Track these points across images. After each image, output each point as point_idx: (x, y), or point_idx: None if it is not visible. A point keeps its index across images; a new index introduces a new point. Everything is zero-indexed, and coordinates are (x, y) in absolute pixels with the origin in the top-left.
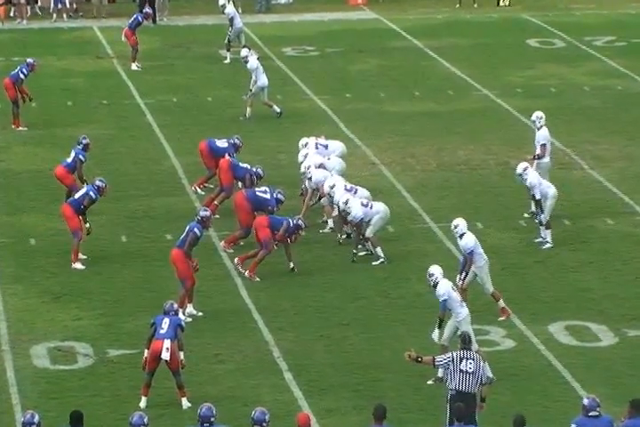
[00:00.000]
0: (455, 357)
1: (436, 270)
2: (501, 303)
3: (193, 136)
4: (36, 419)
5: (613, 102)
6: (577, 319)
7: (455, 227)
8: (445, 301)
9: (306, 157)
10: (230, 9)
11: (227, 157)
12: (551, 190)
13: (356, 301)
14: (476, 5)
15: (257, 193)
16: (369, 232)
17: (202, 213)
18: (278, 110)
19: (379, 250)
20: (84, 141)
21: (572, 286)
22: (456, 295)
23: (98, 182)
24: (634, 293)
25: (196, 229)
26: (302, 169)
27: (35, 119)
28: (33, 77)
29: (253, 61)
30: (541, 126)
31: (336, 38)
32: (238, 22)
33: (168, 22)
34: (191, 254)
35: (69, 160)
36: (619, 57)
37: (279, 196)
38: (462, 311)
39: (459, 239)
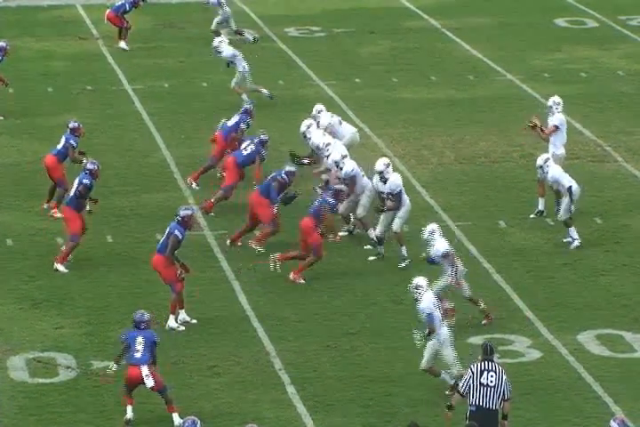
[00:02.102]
0: (475, 370)
1: (423, 282)
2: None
3: (186, 125)
4: None
5: None
6: (609, 327)
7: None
8: (429, 315)
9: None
10: None
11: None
12: (573, 186)
13: (365, 307)
14: None
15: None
16: (396, 227)
17: (182, 213)
18: (268, 93)
19: (403, 249)
20: (73, 125)
21: (604, 290)
22: (438, 314)
23: (89, 166)
24: None
25: (176, 232)
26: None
27: (11, 107)
28: (8, 61)
29: (228, 50)
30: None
31: (344, 17)
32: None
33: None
34: (175, 258)
35: (60, 147)
36: None
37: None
38: (442, 332)
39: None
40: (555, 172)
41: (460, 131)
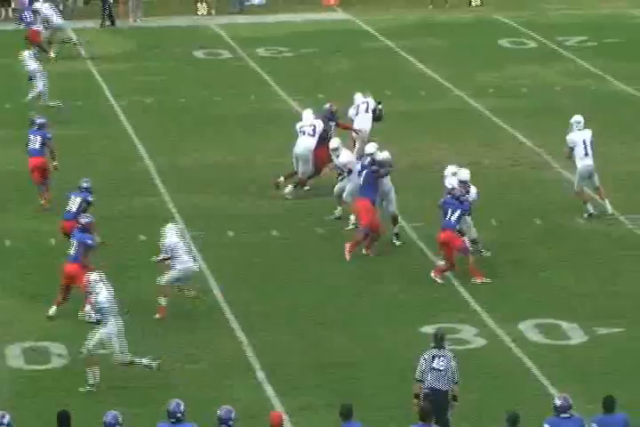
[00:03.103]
0: (428, 357)
1: (96, 277)
2: None
3: (167, 137)
4: (6, 419)
5: (585, 102)
6: (547, 317)
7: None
8: (103, 308)
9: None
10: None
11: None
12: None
13: (331, 300)
14: (447, 6)
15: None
16: (393, 209)
17: (82, 220)
18: (60, 104)
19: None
20: (41, 121)
21: (543, 284)
22: (110, 307)
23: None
24: (605, 291)
25: (86, 241)
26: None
27: (9, 120)
28: (8, 78)
29: (33, 65)
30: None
31: (310, 39)
32: (55, 20)
33: (142, 24)
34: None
35: (36, 146)
36: (590, 57)
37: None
38: (112, 323)
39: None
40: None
41: (414, 141)
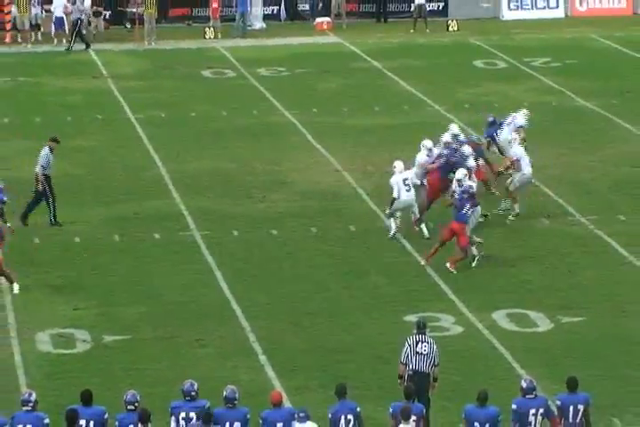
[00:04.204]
0: (411, 342)
1: None
2: None
3: (178, 146)
4: (33, 397)
5: (549, 117)
6: (517, 308)
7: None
8: None
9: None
10: None
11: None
12: None
13: (321, 292)
14: (428, 30)
15: None
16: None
17: None
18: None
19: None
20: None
21: (513, 278)
22: None
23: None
24: (567, 284)
25: None
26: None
27: (37, 132)
28: (36, 95)
29: None
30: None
31: (304, 60)
32: None
33: (156, 46)
34: None
35: None
36: (554, 76)
37: None
38: None
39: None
40: None
41: (398, 150)
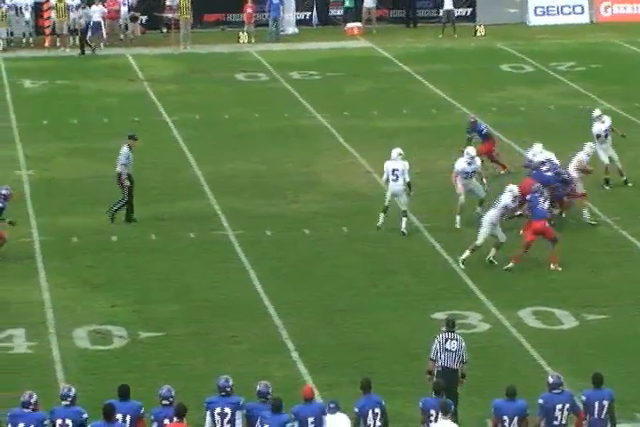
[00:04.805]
0: (441, 339)
1: None
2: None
3: (212, 148)
4: (73, 392)
5: (574, 120)
6: (543, 306)
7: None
8: None
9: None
10: None
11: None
12: None
13: (351, 290)
14: (456, 36)
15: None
16: None
17: (3, 191)
18: None
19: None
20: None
21: (539, 277)
22: None
23: (4, 191)
24: (591, 283)
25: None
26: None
27: (75, 134)
28: (73, 97)
29: None
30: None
31: (335, 64)
32: None
33: (191, 50)
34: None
35: None
36: (579, 80)
37: None
38: None
39: None
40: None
41: (426, 152)
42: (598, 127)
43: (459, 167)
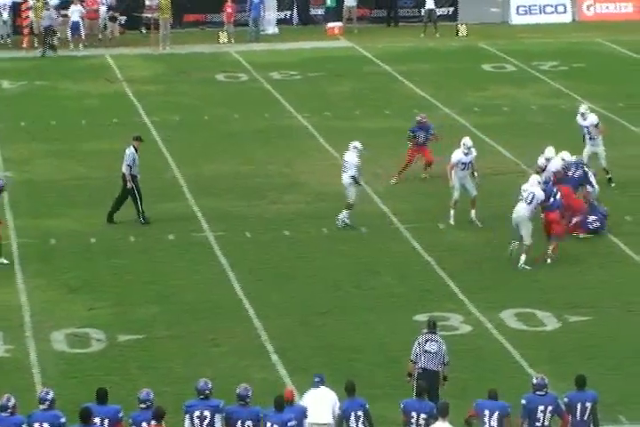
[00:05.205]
0: (421, 340)
1: None
2: None
3: (192, 149)
4: (50, 395)
5: (557, 119)
6: (525, 307)
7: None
8: None
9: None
10: None
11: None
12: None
13: (333, 292)
14: (437, 35)
15: None
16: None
17: None
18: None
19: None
20: None
21: (521, 277)
22: None
23: None
24: (574, 284)
25: None
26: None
27: (54, 135)
28: (51, 99)
29: None
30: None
31: (316, 64)
32: None
33: (171, 51)
34: None
35: None
36: (562, 79)
37: None
38: None
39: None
40: None
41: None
42: (580, 123)
43: (455, 159)
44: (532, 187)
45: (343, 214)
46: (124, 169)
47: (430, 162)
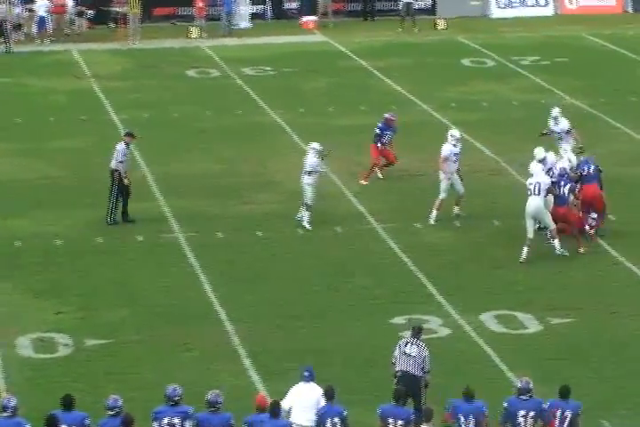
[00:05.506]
0: (402, 343)
1: None
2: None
3: (161, 147)
4: (13, 403)
5: (539, 115)
6: (505, 309)
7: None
8: None
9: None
10: None
11: None
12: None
13: (307, 294)
14: (415, 29)
15: None
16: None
17: None
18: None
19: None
20: None
21: (501, 279)
22: None
23: None
24: (557, 285)
25: None
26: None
27: (21, 133)
28: (18, 95)
29: None
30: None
31: (290, 59)
32: None
33: (140, 46)
34: None
35: None
36: (543, 74)
37: None
38: None
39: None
40: None
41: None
42: (551, 128)
43: (447, 152)
44: (536, 177)
45: (304, 215)
46: (114, 165)
47: (392, 162)
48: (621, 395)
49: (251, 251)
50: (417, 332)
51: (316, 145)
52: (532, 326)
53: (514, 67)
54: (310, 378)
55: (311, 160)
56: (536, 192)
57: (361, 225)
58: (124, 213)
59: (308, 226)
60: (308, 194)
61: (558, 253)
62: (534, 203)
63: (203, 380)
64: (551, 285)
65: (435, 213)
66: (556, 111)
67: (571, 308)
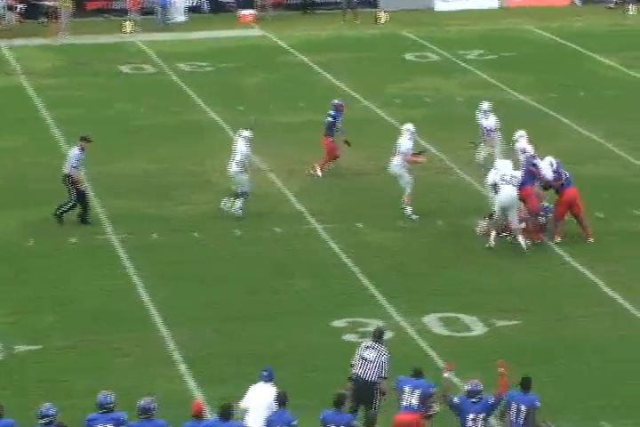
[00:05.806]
0: (362, 346)
1: None
2: None
3: (95, 147)
4: None
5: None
6: (449, 311)
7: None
8: None
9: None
10: None
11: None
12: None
13: (246, 296)
14: (357, 22)
15: None
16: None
17: None
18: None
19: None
20: None
21: (446, 280)
22: None
23: None
24: (503, 286)
25: None
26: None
27: None
28: None
29: None
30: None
31: (228, 54)
32: None
33: (71, 41)
34: None
35: None
36: (489, 69)
37: None
38: None
39: None
40: None
41: None
42: (479, 122)
43: (407, 146)
44: (507, 171)
45: (237, 204)
46: (68, 170)
47: (336, 156)
48: (568, 395)
49: (188, 252)
50: (378, 335)
51: (246, 133)
52: (477, 328)
53: (458, 61)
54: (269, 378)
55: (240, 147)
56: (512, 182)
57: (301, 225)
58: (82, 215)
59: (240, 213)
60: (241, 181)
61: (525, 248)
62: (509, 192)
63: (136, 386)
64: (498, 286)
65: (408, 208)
66: (485, 105)
67: (517, 309)
